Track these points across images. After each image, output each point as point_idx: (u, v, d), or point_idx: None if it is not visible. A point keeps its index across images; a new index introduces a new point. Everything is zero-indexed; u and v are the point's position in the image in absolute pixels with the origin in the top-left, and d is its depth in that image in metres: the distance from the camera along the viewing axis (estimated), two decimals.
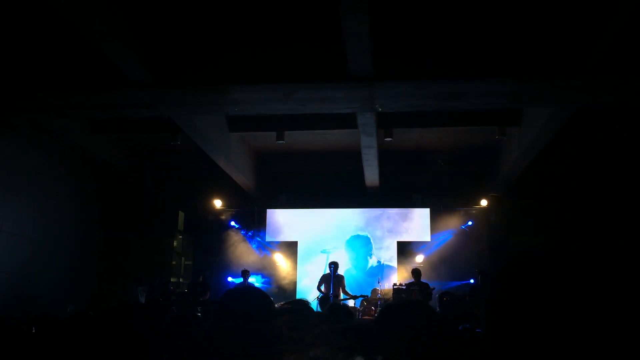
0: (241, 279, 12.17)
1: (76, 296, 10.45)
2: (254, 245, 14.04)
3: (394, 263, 13.67)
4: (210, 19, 7.38)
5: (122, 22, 6.84)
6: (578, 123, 9.40)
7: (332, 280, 11.27)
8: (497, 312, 0.97)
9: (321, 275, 12.01)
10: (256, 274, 13.29)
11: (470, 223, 13.52)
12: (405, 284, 11.35)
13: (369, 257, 13.86)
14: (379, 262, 13.72)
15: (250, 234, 14.05)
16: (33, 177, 10.47)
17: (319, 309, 9.80)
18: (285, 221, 14.19)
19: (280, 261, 13.99)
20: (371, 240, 13.96)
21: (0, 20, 7.27)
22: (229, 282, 13.08)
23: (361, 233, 14.00)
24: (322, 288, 11.42)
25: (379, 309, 11.24)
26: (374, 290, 12.17)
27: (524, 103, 8.68)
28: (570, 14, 6.83)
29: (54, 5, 6.17)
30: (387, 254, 13.78)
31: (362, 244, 13.99)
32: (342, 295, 11.30)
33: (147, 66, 7.55)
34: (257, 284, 12.91)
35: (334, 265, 11.46)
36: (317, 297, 11.12)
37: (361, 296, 11.60)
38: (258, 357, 1.88)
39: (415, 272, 11.37)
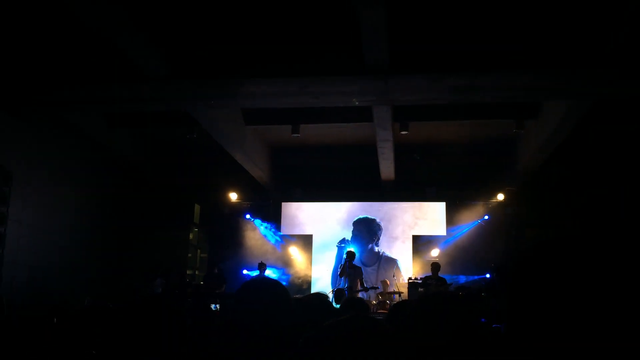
0: (257, 272, 12.21)
1: (93, 289, 10.54)
2: (269, 238, 14.09)
3: (407, 258, 13.63)
4: (225, 12, 7.38)
5: (138, 16, 6.86)
6: (596, 116, 9.28)
7: (347, 271, 10.93)
8: (521, 305, 0.96)
9: (338, 264, 11.89)
10: (272, 266, 13.33)
11: (486, 217, 13.42)
12: (421, 278, 11.30)
13: (371, 243, 13.77)
14: (379, 251, 13.68)
15: (265, 226, 14.10)
16: (51, 170, 10.57)
17: (334, 304, 9.66)
18: (300, 214, 14.21)
19: (296, 254, 14.02)
20: (379, 224, 13.88)
21: (18, 14, 7.33)
22: (244, 274, 13.14)
23: (366, 216, 13.96)
24: (340, 280, 11.11)
25: (394, 303, 11.19)
26: (385, 283, 12.10)
27: (542, 96, 8.59)
28: (587, 4, 6.73)
29: (72, 1, 6.20)
30: (400, 248, 13.73)
31: (365, 225, 13.89)
32: (358, 287, 10.91)
33: (163, 60, 7.59)
34: (274, 277, 12.95)
35: (348, 255, 11.13)
36: (332, 291, 10.85)
37: (372, 288, 11.46)
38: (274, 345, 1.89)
39: (434, 266, 11.28)
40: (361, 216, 13.96)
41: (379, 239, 13.80)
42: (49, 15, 7.37)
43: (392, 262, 13.56)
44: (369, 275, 12.87)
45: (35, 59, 8.02)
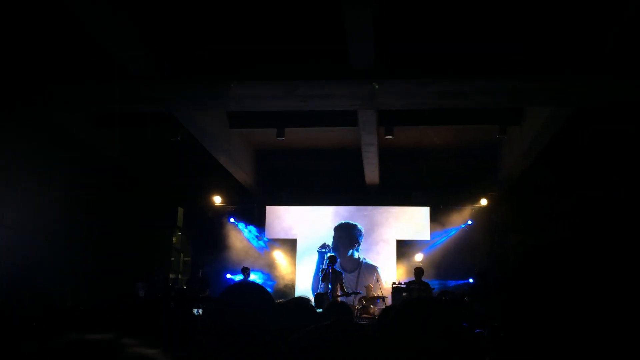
0: (241, 276, 12.15)
1: (76, 291, 10.42)
2: (253, 242, 14.03)
3: (392, 262, 13.64)
4: (212, 13, 7.35)
5: (125, 15, 6.81)
6: (579, 121, 9.37)
7: (329, 276, 10.94)
8: (516, 310, 0.95)
9: (319, 269, 11.92)
10: (256, 270, 13.27)
11: (470, 222, 13.49)
12: (405, 283, 11.32)
13: (352, 248, 13.77)
14: (359, 257, 13.70)
15: (250, 230, 14.04)
16: (34, 170, 10.44)
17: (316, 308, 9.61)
18: (284, 218, 14.17)
19: (280, 259, 13.98)
20: (360, 230, 13.88)
21: (3, 13, 7.23)
22: (227, 279, 13.07)
23: (349, 221, 13.95)
24: (322, 284, 11.16)
25: (377, 307, 11.20)
26: (369, 288, 12.12)
27: (526, 101, 8.66)
28: (573, 11, 6.80)
29: None
30: (385, 253, 13.73)
31: (345, 231, 13.87)
32: (339, 292, 10.97)
33: (149, 60, 7.53)
34: (258, 281, 12.90)
35: (330, 260, 11.13)
36: (314, 295, 10.84)
37: (353, 293, 11.49)
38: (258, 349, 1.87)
39: (418, 271, 11.32)
40: (342, 221, 13.95)
41: (359, 244, 13.80)
42: (33, 14, 7.28)
43: (372, 269, 13.57)
44: (350, 281, 12.89)
45: (20, 57, 7.91)
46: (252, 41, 7.59)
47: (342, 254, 13.50)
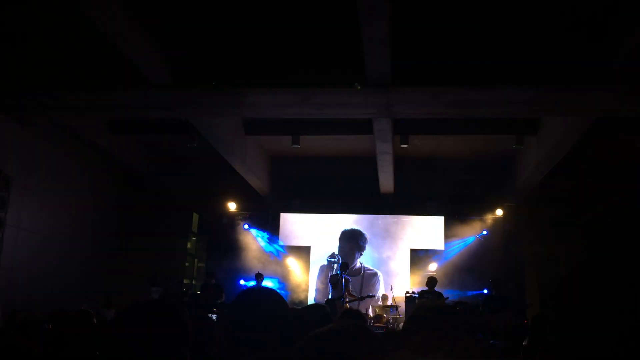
0: (254, 282, 12.17)
1: (91, 295, 10.51)
2: (267, 249, 14.06)
3: (405, 271, 13.60)
4: (229, 21, 7.42)
5: (142, 23, 6.89)
6: (597, 132, 9.30)
7: (340, 282, 10.98)
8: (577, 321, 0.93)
9: (330, 275, 11.95)
10: (270, 277, 13.28)
11: (485, 232, 13.41)
12: (418, 292, 11.27)
13: (357, 254, 13.77)
14: (361, 263, 13.68)
15: (263, 237, 14.07)
16: (51, 175, 10.57)
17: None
18: (298, 226, 14.19)
19: (293, 265, 13.99)
20: (365, 238, 13.87)
21: (23, 19, 7.36)
22: (241, 285, 13.09)
23: (357, 228, 13.97)
24: (331, 290, 11.21)
25: (391, 316, 11.17)
26: (384, 297, 12.12)
27: (543, 112, 8.61)
28: (590, 22, 6.77)
29: (77, 5, 6.23)
30: (398, 262, 13.70)
31: (355, 241, 13.88)
32: (347, 298, 11.02)
33: (166, 67, 7.60)
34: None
35: (343, 267, 11.18)
36: (326, 301, 10.86)
37: (367, 297, 11.52)
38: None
39: (431, 281, 11.26)
40: (347, 229, 13.96)
41: (364, 250, 13.83)
42: (52, 19, 7.40)
43: (374, 274, 13.57)
44: (354, 287, 12.88)
45: (38, 63, 8.03)
46: (269, 49, 7.64)
47: (350, 261, 13.55)
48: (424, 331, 1.68)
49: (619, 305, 0.88)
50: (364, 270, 13.66)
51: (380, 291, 12.95)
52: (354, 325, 1.40)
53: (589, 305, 0.92)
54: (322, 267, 13.73)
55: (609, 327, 0.87)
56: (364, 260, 13.80)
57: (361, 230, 13.93)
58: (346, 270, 11.19)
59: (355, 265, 13.69)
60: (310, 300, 13.27)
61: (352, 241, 13.85)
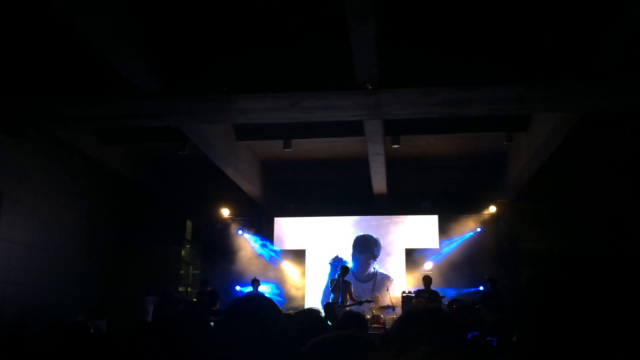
0: (250, 288, 12.14)
1: (86, 305, 10.46)
2: (262, 254, 14.04)
3: (401, 271, 13.62)
4: (217, 28, 7.41)
5: (130, 32, 6.88)
6: (587, 127, 9.34)
7: (340, 286, 10.91)
8: (542, 319, 0.93)
9: (331, 279, 11.91)
10: (266, 282, 13.26)
11: (479, 230, 13.45)
12: (414, 292, 11.28)
13: (371, 260, 13.77)
14: (374, 268, 13.68)
15: (258, 242, 14.06)
16: (43, 188, 10.52)
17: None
18: (293, 229, 14.18)
19: (289, 270, 13.97)
20: (377, 242, 13.86)
21: (10, 30, 7.33)
22: (237, 291, 13.07)
23: (369, 233, 13.95)
24: (332, 294, 11.13)
25: (387, 317, 11.16)
26: (376, 297, 12.09)
27: (532, 109, 8.64)
28: (578, 18, 6.81)
29: (64, 15, 6.22)
30: (394, 262, 13.72)
31: (370, 250, 13.88)
32: (348, 302, 10.99)
33: (155, 76, 7.59)
34: (267, 293, 12.89)
35: (343, 271, 11.16)
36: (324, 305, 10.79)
37: (367, 301, 11.45)
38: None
39: (426, 280, 11.26)
40: (360, 234, 13.93)
41: (377, 256, 13.80)
42: (42, 30, 7.37)
43: (386, 279, 13.55)
44: (365, 291, 12.86)
45: (27, 74, 8.00)
46: (257, 54, 7.64)
47: (364, 270, 13.57)
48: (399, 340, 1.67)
49: (578, 307, 0.88)
50: (376, 274, 13.64)
51: (385, 294, 12.81)
52: (352, 336, 1.39)
53: (550, 308, 0.92)
54: (329, 273, 13.63)
55: (569, 328, 0.87)
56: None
57: (373, 235, 13.89)
58: (346, 274, 11.08)
59: (370, 270, 13.69)
60: (309, 304, 13.24)
61: (366, 250, 13.80)
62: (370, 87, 7.36)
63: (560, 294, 0.93)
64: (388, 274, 13.61)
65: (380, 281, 13.51)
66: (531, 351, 0.92)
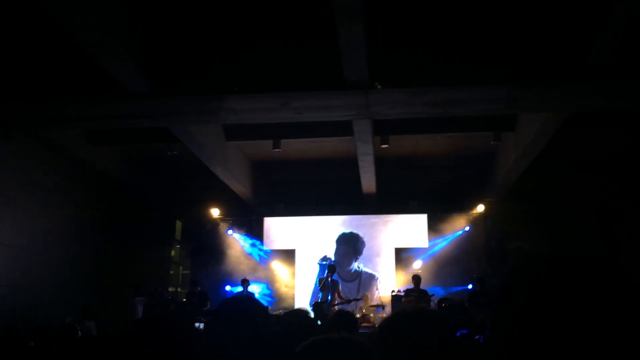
0: (241, 288, 12.14)
1: (75, 307, 10.40)
2: (252, 254, 14.04)
3: (390, 270, 13.66)
4: (205, 29, 7.41)
5: (119, 32, 6.86)
6: (574, 127, 9.43)
7: (328, 285, 10.95)
8: (510, 320, 0.94)
9: (319, 278, 11.95)
10: (256, 282, 13.26)
11: (467, 229, 13.53)
12: (404, 291, 11.33)
13: (354, 258, 13.80)
14: (359, 266, 13.72)
15: (248, 242, 14.05)
16: (31, 188, 10.45)
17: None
18: (282, 229, 14.18)
19: (279, 269, 13.97)
20: (362, 242, 13.89)
21: None
22: (227, 291, 13.06)
23: (351, 230, 13.96)
24: (320, 293, 11.19)
25: (377, 316, 11.21)
26: (366, 297, 12.14)
27: (521, 108, 8.71)
28: (566, 18, 6.87)
29: (52, 17, 6.19)
30: (383, 261, 13.76)
31: (352, 245, 13.87)
32: (337, 300, 11.00)
33: (143, 77, 7.57)
34: (257, 293, 12.90)
35: (330, 270, 11.21)
36: (313, 305, 10.83)
37: (355, 299, 11.52)
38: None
39: (416, 279, 11.32)
40: (345, 231, 13.96)
41: (361, 254, 13.83)
42: (29, 31, 7.33)
43: (372, 278, 13.59)
44: (351, 291, 12.89)
45: (16, 74, 7.95)
46: (247, 55, 7.65)
47: (345, 266, 13.55)
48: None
49: (563, 308, 0.89)
50: (361, 273, 13.67)
51: (374, 293, 12.88)
52: (344, 339, 1.40)
53: (534, 308, 0.93)
54: (318, 273, 13.68)
55: (553, 328, 0.88)
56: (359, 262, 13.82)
57: (358, 233, 13.93)
58: (333, 273, 11.16)
59: (352, 268, 13.71)
60: (299, 304, 13.26)
61: (347, 245, 13.85)
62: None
63: (546, 295, 0.93)
64: (374, 273, 13.65)
65: (366, 280, 13.56)
66: (507, 349, 0.93)
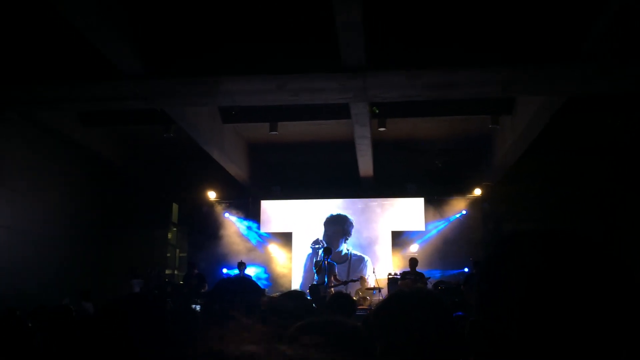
0: (237, 271, 12.17)
1: (72, 289, 10.42)
2: (249, 237, 14.06)
3: (387, 253, 13.70)
4: (202, 9, 7.34)
5: (113, 13, 6.79)
6: (570, 110, 9.40)
7: (324, 267, 10.97)
8: (489, 298, 0.91)
9: (314, 261, 11.98)
10: (253, 264, 13.29)
11: (464, 212, 13.56)
12: (400, 273, 11.37)
13: (344, 241, 13.83)
14: (348, 248, 13.76)
15: (245, 225, 14.06)
16: (26, 171, 10.42)
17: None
18: (279, 212, 14.19)
19: (276, 252, 14.01)
20: (351, 223, 13.92)
21: None
22: (224, 273, 13.09)
23: (342, 213, 13.98)
24: (316, 276, 11.23)
25: (374, 299, 11.26)
26: (363, 279, 12.18)
27: (518, 91, 8.68)
28: (562, 1, 6.82)
29: None
30: (380, 244, 13.79)
31: (340, 225, 13.90)
32: (333, 283, 11.01)
33: (138, 58, 7.51)
34: (253, 276, 12.94)
35: (326, 252, 11.22)
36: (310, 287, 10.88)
37: (351, 281, 11.56)
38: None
39: (412, 262, 11.34)
40: (333, 214, 13.98)
41: (350, 235, 13.87)
42: (23, 12, 7.25)
43: (361, 260, 13.65)
44: (340, 274, 12.93)
45: (10, 56, 7.88)
46: (242, 37, 7.59)
47: (334, 247, 13.55)
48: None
49: (517, 284, 0.86)
50: (350, 255, 13.72)
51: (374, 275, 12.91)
52: (338, 322, 1.40)
53: (489, 285, 0.91)
54: (309, 255, 13.75)
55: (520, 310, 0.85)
56: (349, 244, 13.86)
57: (347, 215, 13.97)
58: (329, 255, 11.17)
59: (342, 251, 13.74)
60: (295, 287, 13.31)
61: (336, 226, 13.89)
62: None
63: (500, 272, 0.90)
64: (362, 255, 13.70)
65: (355, 262, 13.62)
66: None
